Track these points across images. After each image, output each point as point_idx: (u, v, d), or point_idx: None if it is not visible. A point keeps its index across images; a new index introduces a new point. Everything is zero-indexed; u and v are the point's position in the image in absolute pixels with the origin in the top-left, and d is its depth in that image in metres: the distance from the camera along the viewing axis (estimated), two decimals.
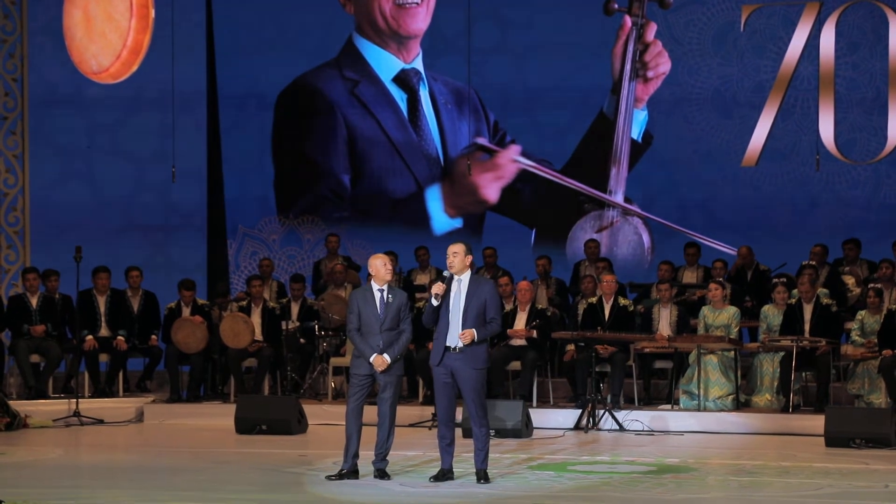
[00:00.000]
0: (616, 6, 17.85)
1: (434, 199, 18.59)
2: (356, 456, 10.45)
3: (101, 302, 15.60)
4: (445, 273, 10.25)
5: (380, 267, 10.50)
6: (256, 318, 15.50)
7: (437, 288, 10.19)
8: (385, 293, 10.50)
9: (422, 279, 16.57)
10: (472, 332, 10.13)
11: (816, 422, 13.01)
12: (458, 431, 11.30)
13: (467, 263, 10.31)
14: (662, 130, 18.02)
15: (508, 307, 14.80)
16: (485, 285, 10.34)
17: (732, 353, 14.23)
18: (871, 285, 14.40)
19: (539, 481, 10.54)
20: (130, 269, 15.97)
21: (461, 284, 10.27)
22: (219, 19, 18.81)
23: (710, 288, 14.64)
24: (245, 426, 13.69)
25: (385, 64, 18.66)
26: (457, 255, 10.24)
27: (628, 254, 18.07)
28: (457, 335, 10.16)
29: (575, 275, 16.84)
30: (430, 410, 13.91)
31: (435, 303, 10.21)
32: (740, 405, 14.18)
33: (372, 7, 18.58)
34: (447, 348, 10.20)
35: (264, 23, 18.84)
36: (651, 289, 15.92)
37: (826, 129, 17.38)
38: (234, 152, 18.94)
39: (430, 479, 10.33)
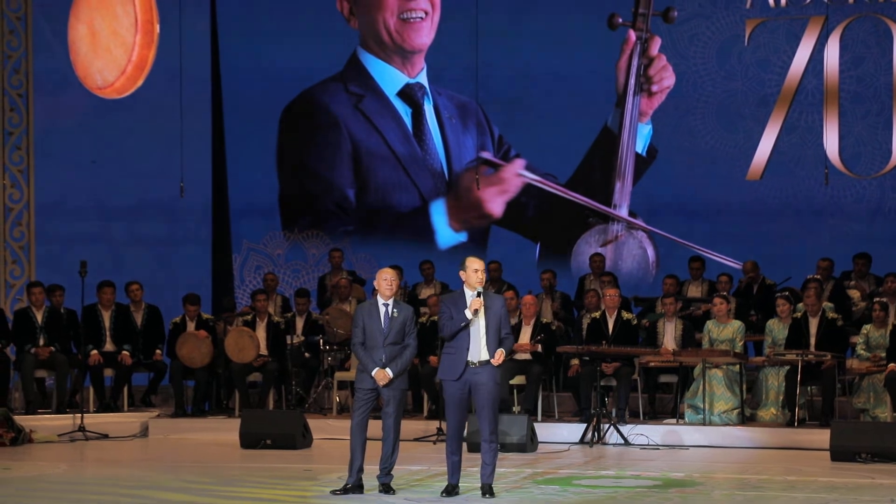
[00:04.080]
0: (620, 20, 17.87)
1: (439, 213, 18.61)
2: (361, 470, 10.44)
3: (106, 316, 15.59)
4: (479, 289, 10.23)
5: (380, 283, 10.52)
6: (261, 333, 15.50)
7: (478, 304, 10.18)
8: (390, 307, 10.51)
9: (426, 293, 16.56)
10: (503, 352, 10.19)
11: (822, 436, 12.99)
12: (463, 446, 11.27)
13: None
14: (667, 144, 18.02)
15: (513, 321, 14.79)
16: (497, 300, 10.37)
17: (737, 367, 14.22)
18: (877, 299, 14.39)
19: (544, 496, 10.52)
20: (130, 284, 15.95)
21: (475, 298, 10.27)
22: (224, 34, 18.84)
23: (715, 302, 14.62)
24: (250, 441, 13.68)
25: (389, 78, 18.70)
26: (482, 271, 10.27)
27: (633, 268, 18.08)
28: (480, 350, 10.16)
29: (580, 289, 16.83)
30: (434, 425, 13.93)
31: (473, 317, 10.19)
32: (745, 419, 14.16)
33: (376, 22, 18.62)
34: (468, 363, 10.19)
35: (269, 38, 18.87)
36: (656, 303, 15.92)
37: (831, 142, 17.37)
38: (239, 167, 18.96)
39: (442, 494, 10.30)
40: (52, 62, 18.05)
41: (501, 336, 10.25)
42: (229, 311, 16.74)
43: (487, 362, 10.19)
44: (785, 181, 17.64)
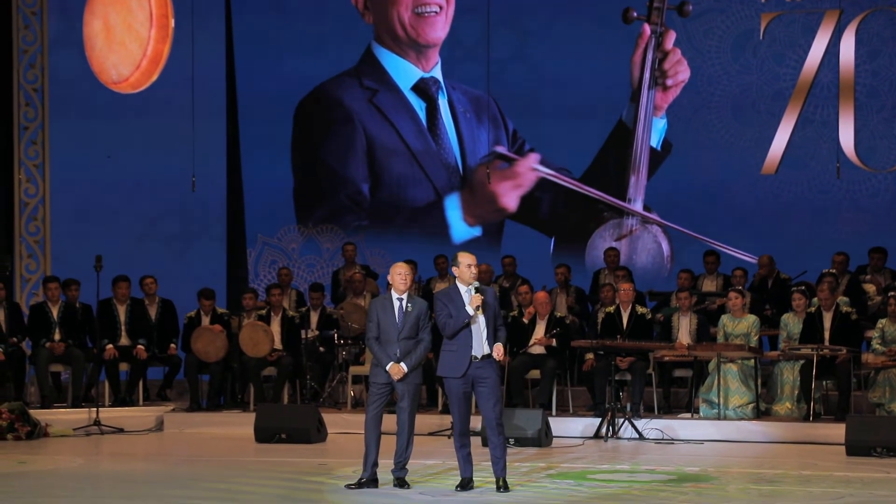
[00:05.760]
0: (635, 14, 17.84)
1: (453, 208, 18.61)
2: (376, 464, 10.45)
3: (121, 311, 15.63)
4: (475, 284, 10.23)
5: (395, 277, 10.51)
6: (276, 327, 15.52)
7: (478, 300, 10.17)
8: (404, 302, 10.51)
9: (441, 287, 16.54)
10: (501, 346, 10.20)
11: (837, 430, 12.97)
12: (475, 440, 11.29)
13: None
14: (682, 138, 18.00)
15: (530, 313, 14.83)
16: (488, 292, 10.38)
17: (752, 361, 14.20)
18: (892, 293, 14.33)
19: (558, 490, 10.52)
20: (145, 278, 15.98)
21: (473, 293, 10.26)
22: (238, 29, 18.86)
23: (730, 296, 14.60)
24: (264, 435, 13.70)
25: (404, 73, 18.69)
26: (475, 265, 10.27)
27: (648, 262, 18.05)
28: (482, 345, 10.16)
29: (594, 283, 16.82)
30: (449, 419, 13.91)
31: (475, 313, 10.18)
32: (760, 414, 14.14)
33: (391, 16, 18.61)
34: (472, 358, 10.20)
35: (284, 32, 18.89)
36: (671, 297, 15.90)
37: (846, 136, 17.33)
38: (254, 161, 18.98)
39: (456, 488, 10.31)
40: (67, 57, 18.09)
41: (496, 328, 10.25)
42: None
43: (489, 356, 10.20)
44: (800, 175, 17.61)
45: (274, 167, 18.98)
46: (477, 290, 10.18)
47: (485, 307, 10.19)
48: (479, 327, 10.20)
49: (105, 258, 14.89)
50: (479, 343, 10.20)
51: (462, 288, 10.24)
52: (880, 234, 16.76)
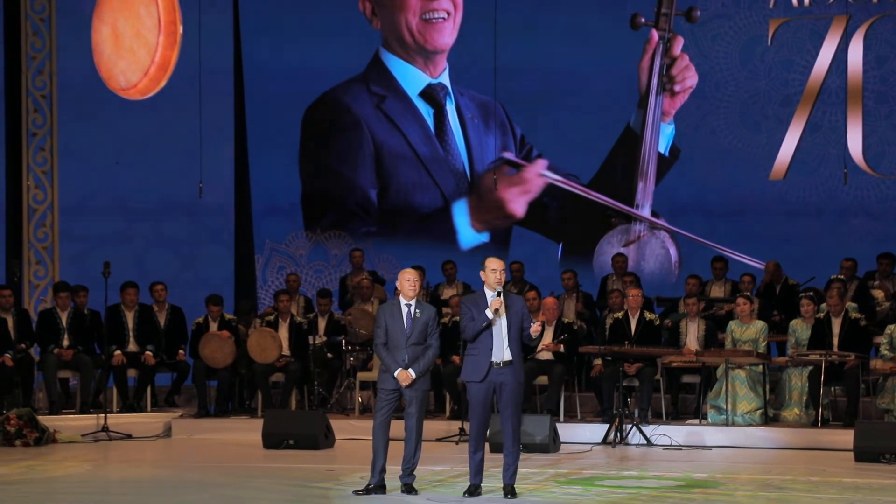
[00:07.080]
0: (643, 20, 17.85)
1: (461, 214, 18.61)
2: (383, 470, 10.45)
3: (130, 317, 15.64)
4: (498, 289, 10.24)
5: (403, 283, 10.52)
6: (284, 333, 15.53)
7: (498, 303, 10.17)
8: (413, 308, 10.51)
9: (448, 293, 16.57)
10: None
11: (846, 437, 12.95)
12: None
13: None
14: (690, 144, 18.00)
15: (537, 321, 14.80)
16: (517, 300, 10.39)
17: (760, 367, 14.18)
18: None
19: (567, 496, 10.52)
20: (155, 284, 16.00)
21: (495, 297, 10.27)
22: (246, 36, 18.88)
23: (738, 302, 14.58)
24: (272, 441, 13.70)
25: (412, 79, 18.71)
26: (501, 271, 10.27)
27: (655, 268, 18.05)
28: (503, 350, 10.16)
29: (602, 289, 16.81)
30: (457, 425, 13.93)
31: (495, 317, 10.19)
32: (769, 420, 14.12)
33: (399, 22, 18.63)
34: (493, 364, 10.19)
35: (292, 38, 18.90)
36: (678, 303, 15.90)
37: (854, 142, 17.32)
38: (262, 167, 18.99)
39: (464, 494, 10.30)
40: (75, 63, 18.11)
41: (525, 327, 10.25)
42: (248, 314, 16.77)
43: (511, 363, 10.20)
44: (808, 181, 17.60)
45: (282, 173, 18.98)
46: (499, 293, 10.19)
47: (508, 312, 10.17)
48: (501, 333, 10.20)
49: (113, 264, 14.92)
50: (500, 348, 10.19)
51: (488, 293, 10.27)
52: (889, 239, 16.74)
